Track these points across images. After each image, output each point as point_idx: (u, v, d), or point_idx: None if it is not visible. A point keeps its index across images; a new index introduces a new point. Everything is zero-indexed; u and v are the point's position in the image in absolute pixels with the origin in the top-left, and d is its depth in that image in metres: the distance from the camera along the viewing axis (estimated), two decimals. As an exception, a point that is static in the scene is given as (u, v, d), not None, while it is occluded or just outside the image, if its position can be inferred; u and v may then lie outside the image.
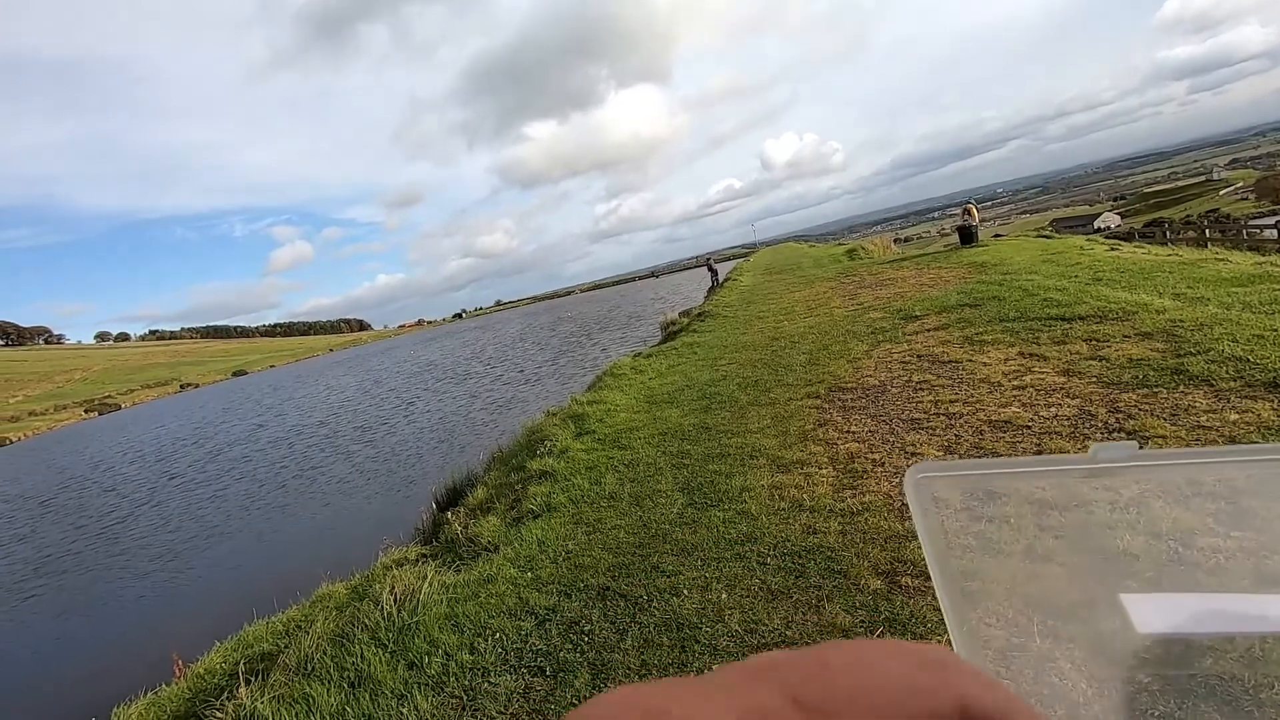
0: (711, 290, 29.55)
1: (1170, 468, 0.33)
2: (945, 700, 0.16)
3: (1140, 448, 0.32)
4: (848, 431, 5.54)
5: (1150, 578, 0.35)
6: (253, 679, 4.05)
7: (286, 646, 4.51)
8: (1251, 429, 3.84)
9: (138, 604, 11.25)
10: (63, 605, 11.88)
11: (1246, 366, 4.72)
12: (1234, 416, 4.06)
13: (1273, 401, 4.12)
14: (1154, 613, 0.27)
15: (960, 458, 4.48)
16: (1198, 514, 0.33)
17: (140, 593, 11.77)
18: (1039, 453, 4.25)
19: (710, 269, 35.16)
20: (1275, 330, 5.33)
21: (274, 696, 3.61)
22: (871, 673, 0.16)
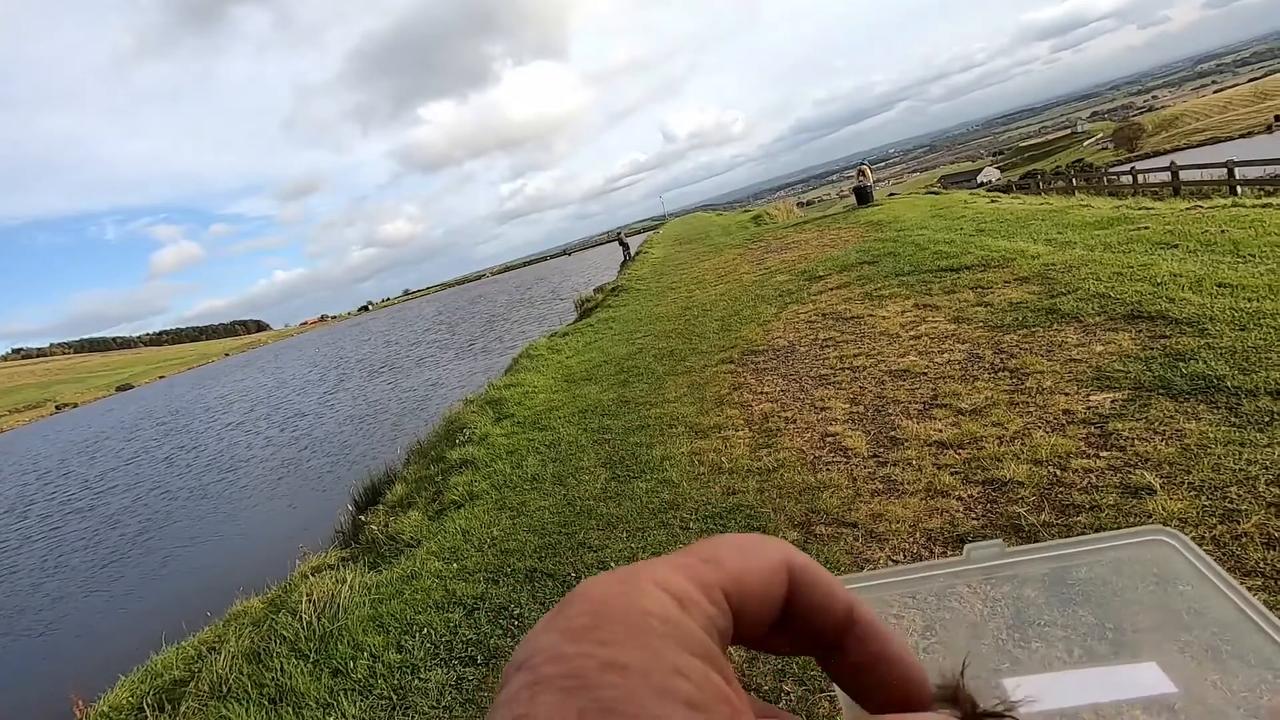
0: (624, 264, 29.54)
1: (1036, 561, 0.36)
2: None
3: (1006, 546, 0.35)
4: (761, 393, 5.70)
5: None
6: (162, 710, 3.80)
7: (199, 671, 4.25)
8: (1114, 358, 4.21)
9: (29, 645, 10.31)
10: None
11: (1109, 302, 5.17)
12: (1099, 348, 4.44)
13: (1131, 332, 4.54)
14: (1033, 692, 0.29)
15: (865, 412, 4.70)
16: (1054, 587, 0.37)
17: (30, 632, 10.79)
18: (934, 397, 4.51)
19: (622, 243, 35.06)
20: (1131, 267, 5.85)
21: (187, 725, 3.41)
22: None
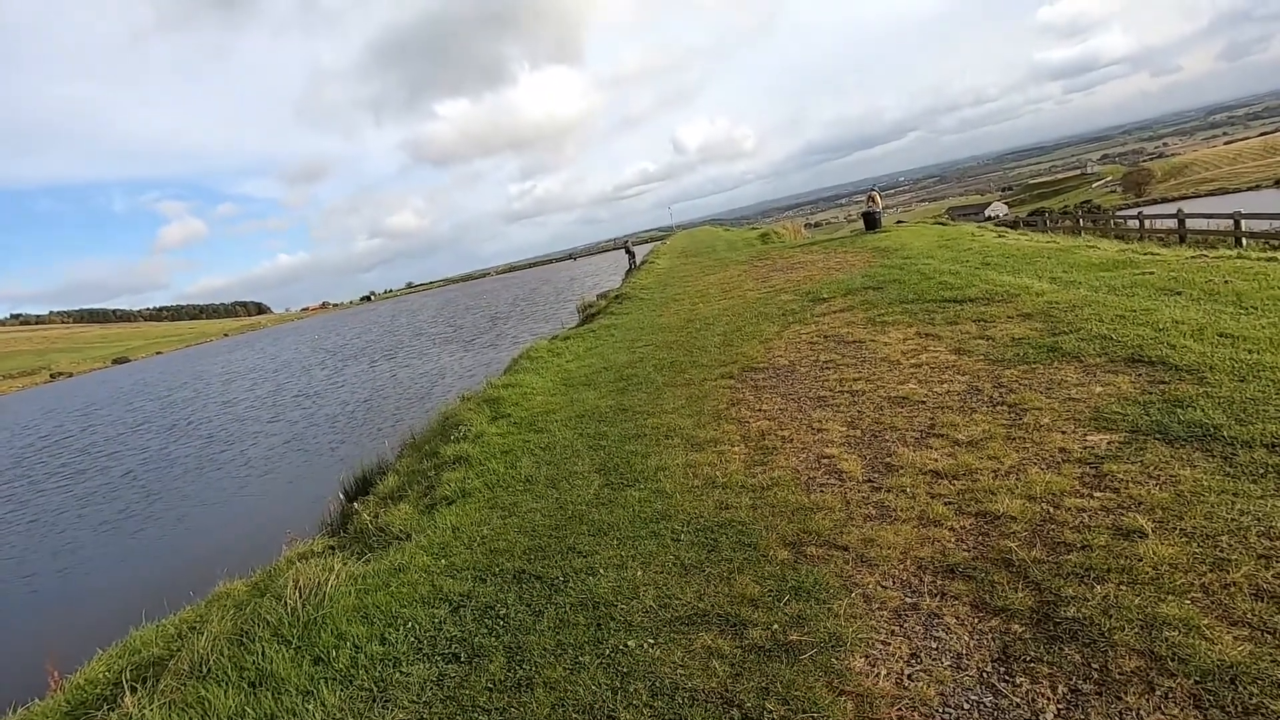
0: (629, 273, 29.62)
1: None
2: None
3: None
4: (759, 410, 5.71)
5: None
6: (140, 686, 3.78)
7: (179, 649, 4.24)
8: (1113, 400, 4.24)
9: (9, 614, 10.25)
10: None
11: (1110, 343, 5.20)
12: (1099, 389, 4.47)
13: (1131, 375, 4.56)
14: None
15: (862, 436, 4.71)
16: None
17: (10, 602, 10.73)
18: (932, 426, 4.53)
19: (628, 252, 35.20)
20: (1134, 311, 5.89)
21: (164, 703, 3.39)
22: None
